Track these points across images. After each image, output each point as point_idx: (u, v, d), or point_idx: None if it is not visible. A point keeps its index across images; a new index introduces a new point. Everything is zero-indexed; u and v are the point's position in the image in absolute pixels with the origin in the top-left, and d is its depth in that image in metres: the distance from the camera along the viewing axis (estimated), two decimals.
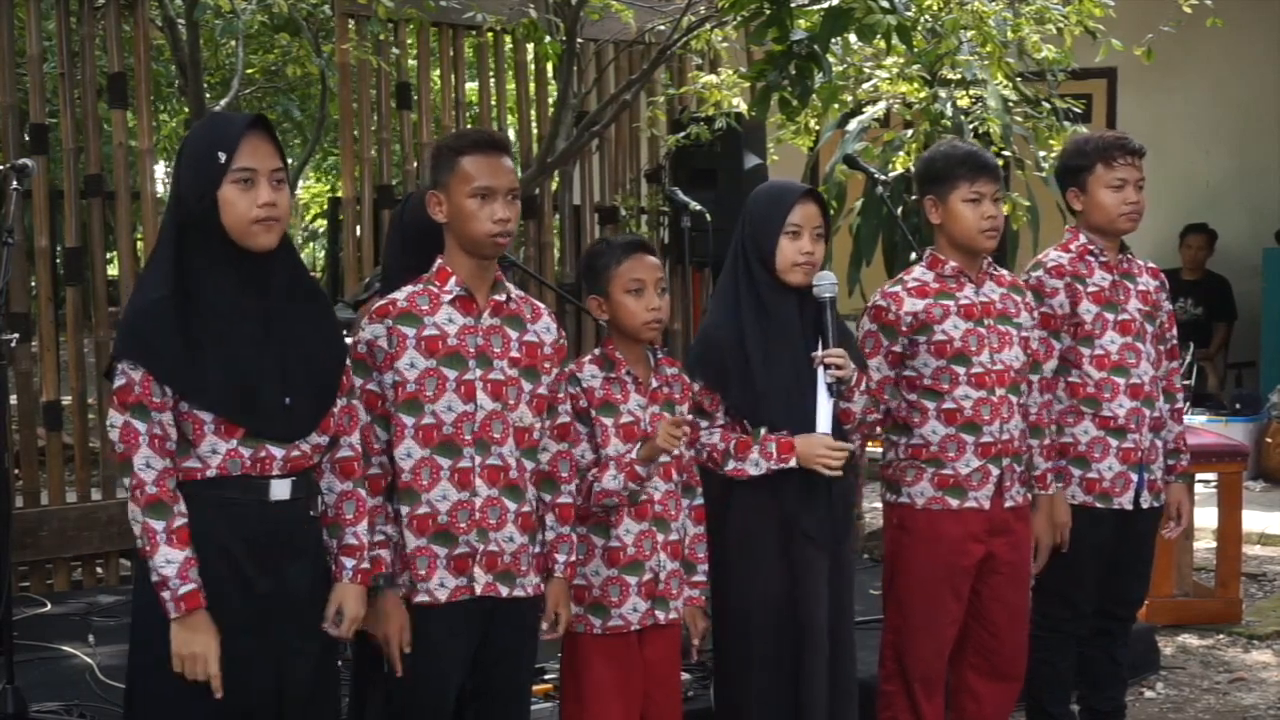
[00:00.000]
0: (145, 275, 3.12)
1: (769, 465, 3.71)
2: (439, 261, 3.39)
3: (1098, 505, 4.23)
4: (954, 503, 4.01)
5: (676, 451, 3.70)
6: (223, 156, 2.97)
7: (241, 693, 3.00)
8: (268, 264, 3.02)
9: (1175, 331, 4.44)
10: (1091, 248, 4.28)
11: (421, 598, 3.30)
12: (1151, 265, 4.44)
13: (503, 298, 3.41)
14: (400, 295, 3.36)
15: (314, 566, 3.12)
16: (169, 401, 2.95)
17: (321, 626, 3.11)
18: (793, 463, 3.71)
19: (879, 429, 4.11)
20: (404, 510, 3.30)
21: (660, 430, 3.57)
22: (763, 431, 3.74)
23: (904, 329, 4.01)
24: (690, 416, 3.69)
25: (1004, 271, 4.22)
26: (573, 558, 3.51)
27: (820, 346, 3.76)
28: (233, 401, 2.96)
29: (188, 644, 2.92)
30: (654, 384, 3.71)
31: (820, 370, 3.74)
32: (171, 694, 2.97)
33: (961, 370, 3.99)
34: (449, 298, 3.35)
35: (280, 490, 3.03)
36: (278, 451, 3.01)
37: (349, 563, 3.16)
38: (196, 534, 2.96)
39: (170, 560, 2.90)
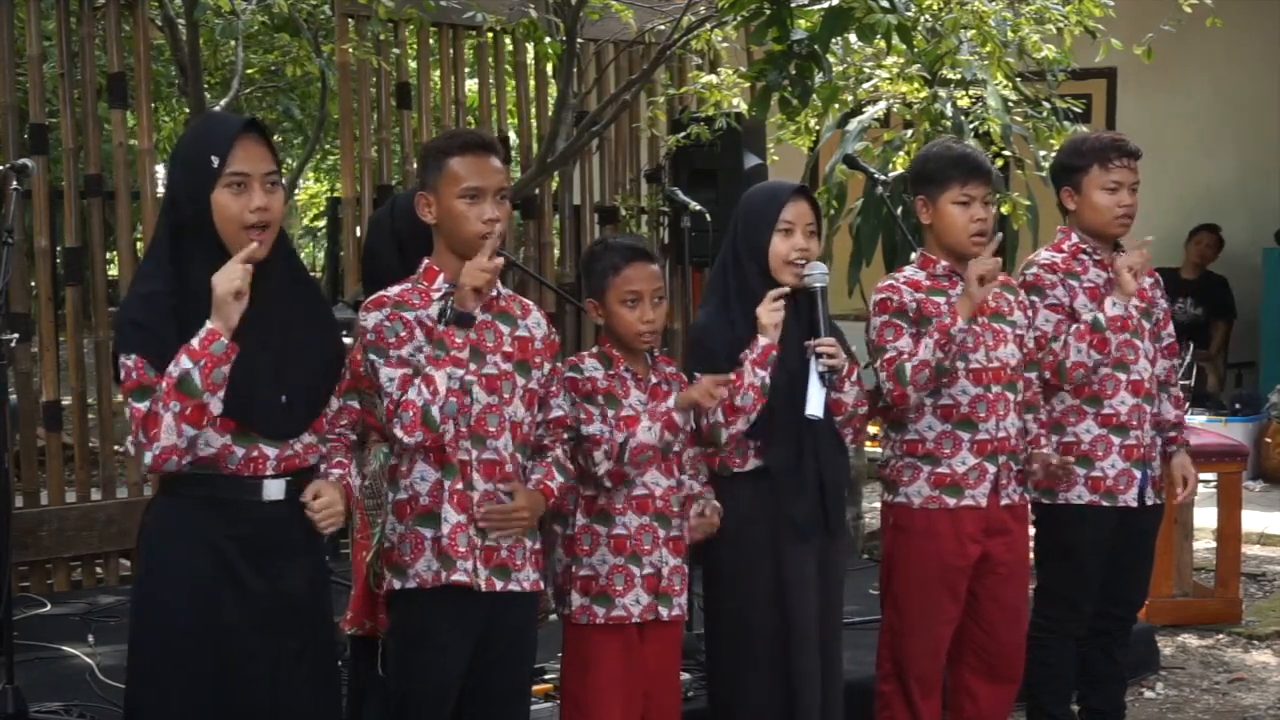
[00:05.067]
0: (140, 273, 3.12)
1: (752, 359, 3.68)
2: (426, 262, 3.40)
3: (1103, 504, 4.23)
4: (951, 501, 4.01)
5: (677, 448, 3.70)
6: (215, 161, 2.96)
7: (238, 694, 2.99)
8: (262, 266, 3.01)
9: (1172, 328, 4.44)
10: (1084, 247, 4.28)
11: (451, 577, 3.30)
12: None
13: (493, 294, 3.41)
14: (390, 292, 3.37)
15: (312, 567, 3.11)
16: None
17: (305, 510, 3.05)
18: (768, 335, 3.69)
19: (884, 417, 4.11)
20: (446, 483, 3.31)
21: (702, 384, 3.57)
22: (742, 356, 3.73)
23: (911, 314, 4.00)
24: (728, 377, 3.65)
25: None
26: (553, 482, 3.47)
27: (812, 335, 3.76)
28: (228, 396, 2.94)
29: (217, 294, 2.89)
30: (653, 379, 3.72)
31: (812, 359, 3.74)
32: (170, 697, 2.97)
33: (959, 366, 3.98)
34: (438, 295, 3.35)
35: (274, 490, 3.02)
36: (270, 451, 3.01)
37: (336, 471, 3.12)
38: (189, 532, 2.97)
39: (176, 364, 2.87)
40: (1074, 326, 4.15)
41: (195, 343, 2.88)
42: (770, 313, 3.72)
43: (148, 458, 2.91)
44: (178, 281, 2.97)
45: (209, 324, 2.89)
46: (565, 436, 3.56)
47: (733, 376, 3.67)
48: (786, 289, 3.74)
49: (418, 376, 3.25)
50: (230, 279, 2.89)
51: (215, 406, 2.91)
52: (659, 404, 3.61)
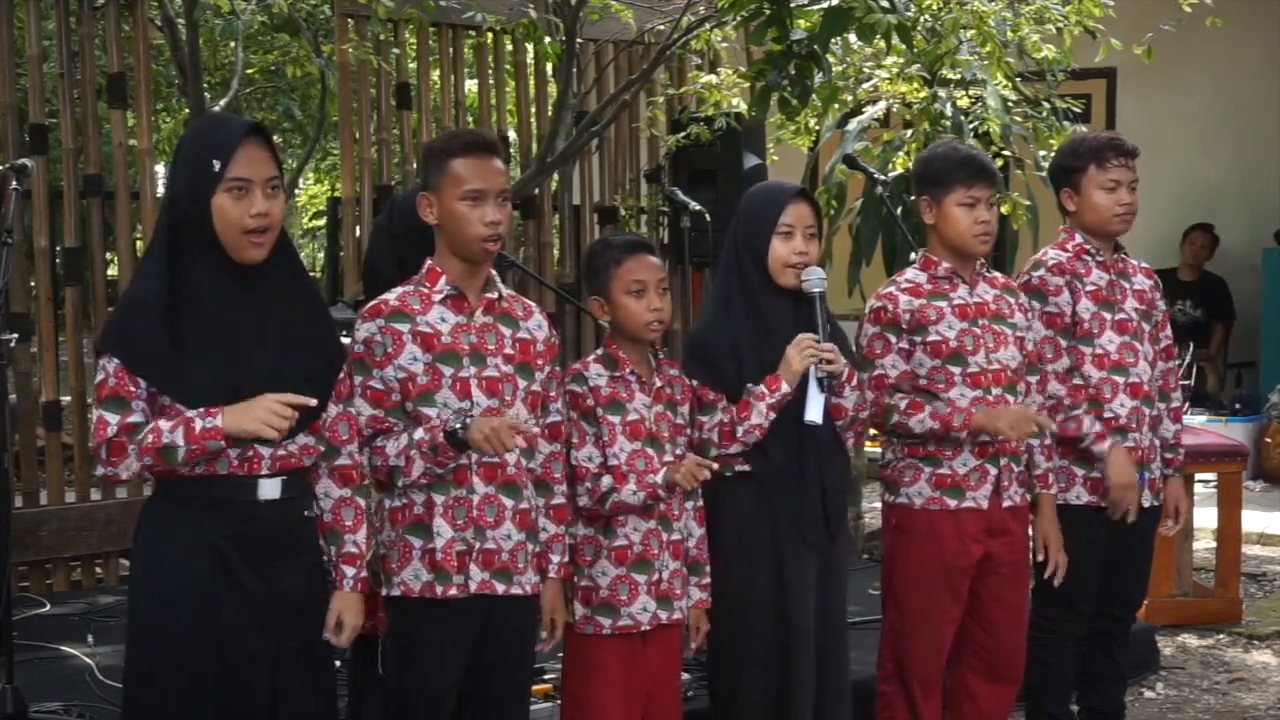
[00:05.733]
0: (138, 271, 3.12)
1: (768, 403, 3.68)
2: (429, 263, 3.39)
3: (1101, 505, 4.23)
4: (952, 503, 4.01)
5: (667, 457, 3.69)
6: (217, 165, 2.95)
7: (237, 693, 2.99)
8: (260, 267, 3.02)
9: (1170, 331, 4.44)
10: (1088, 247, 4.28)
11: (448, 592, 3.30)
12: (1145, 265, 4.44)
13: (494, 295, 3.40)
14: (391, 295, 3.36)
15: (310, 567, 3.11)
16: (143, 392, 2.95)
17: (323, 636, 3.10)
18: (785, 386, 3.68)
19: (874, 428, 4.12)
20: (438, 499, 3.30)
21: (685, 468, 3.56)
22: (750, 386, 3.72)
23: (905, 326, 4.00)
24: (714, 464, 3.62)
25: (996, 273, 4.22)
26: (566, 558, 3.50)
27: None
28: (217, 398, 2.93)
29: (242, 418, 2.89)
30: (657, 383, 3.71)
31: (811, 365, 3.73)
32: (168, 697, 2.97)
33: (957, 370, 3.98)
34: (440, 297, 3.34)
35: (270, 489, 3.02)
36: (264, 450, 3.00)
37: (349, 570, 3.15)
38: (186, 532, 2.96)
39: (171, 430, 2.89)
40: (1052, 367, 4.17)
41: (197, 427, 2.88)
42: (801, 357, 3.69)
43: (100, 470, 2.99)
44: (175, 281, 2.97)
45: (219, 421, 2.88)
46: (566, 454, 3.56)
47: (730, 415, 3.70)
48: (819, 338, 3.71)
49: (389, 415, 3.28)
50: (276, 422, 2.89)
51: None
52: (647, 474, 3.59)
